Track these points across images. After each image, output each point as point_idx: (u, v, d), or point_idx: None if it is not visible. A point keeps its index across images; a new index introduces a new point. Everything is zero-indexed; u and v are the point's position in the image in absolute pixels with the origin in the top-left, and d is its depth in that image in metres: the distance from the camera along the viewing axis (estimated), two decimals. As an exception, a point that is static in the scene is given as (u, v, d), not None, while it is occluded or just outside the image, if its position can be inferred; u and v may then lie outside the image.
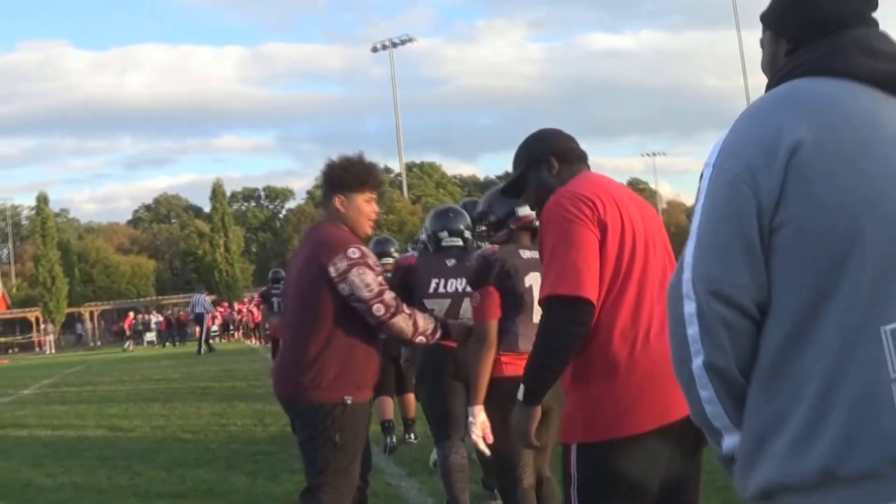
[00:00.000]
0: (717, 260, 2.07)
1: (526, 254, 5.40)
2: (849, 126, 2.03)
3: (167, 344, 58.38)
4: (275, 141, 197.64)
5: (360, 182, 5.32)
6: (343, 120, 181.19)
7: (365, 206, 5.33)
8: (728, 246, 2.05)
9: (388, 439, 10.33)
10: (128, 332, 62.48)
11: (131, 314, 67.67)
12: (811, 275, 1.98)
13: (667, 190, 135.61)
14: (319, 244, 5.23)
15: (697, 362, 2.10)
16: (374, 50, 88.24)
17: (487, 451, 5.40)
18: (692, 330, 2.09)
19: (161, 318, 64.60)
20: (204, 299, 42.64)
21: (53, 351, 68.58)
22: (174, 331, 60.79)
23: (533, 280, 5.27)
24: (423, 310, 6.30)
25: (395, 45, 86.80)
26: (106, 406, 18.26)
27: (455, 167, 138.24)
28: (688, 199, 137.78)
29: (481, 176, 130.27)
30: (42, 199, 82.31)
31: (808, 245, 1.98)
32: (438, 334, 5.36)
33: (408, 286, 7.16)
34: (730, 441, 2.16)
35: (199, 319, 41.96)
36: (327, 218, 5.42)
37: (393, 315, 5.11)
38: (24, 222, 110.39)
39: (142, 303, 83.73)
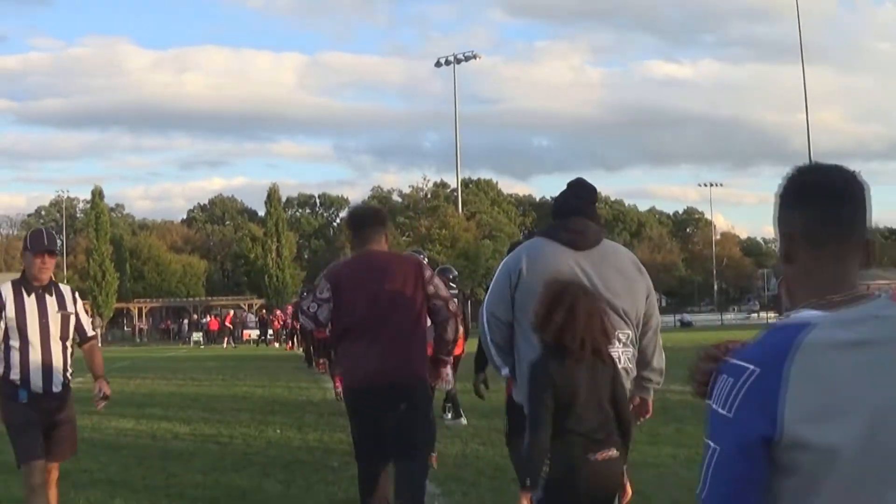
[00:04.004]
0: (495, 301, 5.40)
1: None
2: (545, 261, 5.23)
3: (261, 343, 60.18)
4: (331, 149, 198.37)
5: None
6: (399, 133, 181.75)
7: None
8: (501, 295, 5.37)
9: None
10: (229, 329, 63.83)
11: (231, 312, 69.40)
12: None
13: (721, 221, 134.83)
14: (415, 263, 7.08)
15: (486, 339, 5.44)
16: (438, 65, 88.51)
17: None
18: (483, 329, 5.44)
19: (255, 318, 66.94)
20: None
21: (100, 345, 68.88)
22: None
23: None
24: None
25: (458, 61, 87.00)
26: (147, 405, 18.34)
27: (508, 186, 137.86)
28: (742, 231, 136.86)
29: (537, 196, 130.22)
30: (97, 194, 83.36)
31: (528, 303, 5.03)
32: None
33: None
34: (504, 371, 5.46)
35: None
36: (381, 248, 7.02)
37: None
38: (79, 215, 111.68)
39: (191, 302, 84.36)
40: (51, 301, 7.07)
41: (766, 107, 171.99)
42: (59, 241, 7.54)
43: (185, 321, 75.67)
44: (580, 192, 5.62)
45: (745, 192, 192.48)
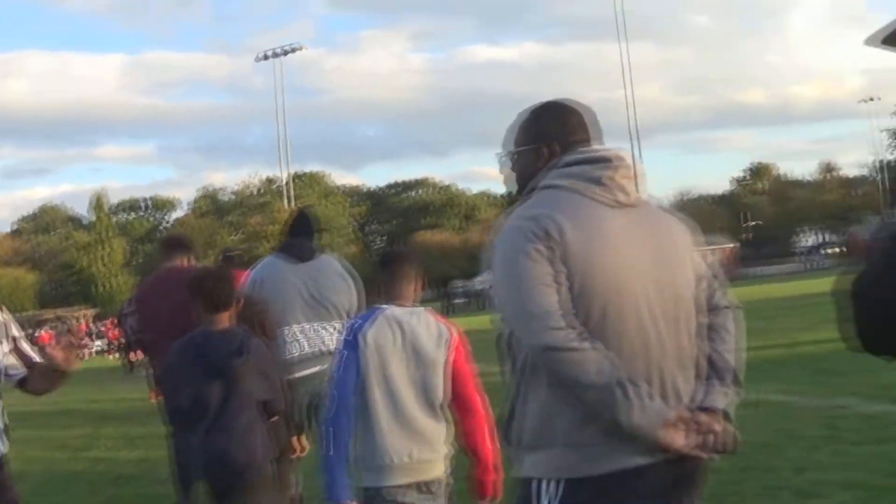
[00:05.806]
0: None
1: None
2: (272, 271, 7.20)
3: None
4: (155, 150, 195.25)
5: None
6: (225, 129, 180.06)
7: None
8: None
9: None
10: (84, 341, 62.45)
11: (83, 322, 67.99)
12: None
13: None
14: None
15: None
16: (259, 59, 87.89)
17: None
18: None
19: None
20: None
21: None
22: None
23: None
24: None
25: (282, 53, 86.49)
26: (-26, 428, 17.87)
27: (339, 177, 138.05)
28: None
29: (369, 186, 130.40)
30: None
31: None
32: None
33: None
34: None
35: None
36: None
37: None
38: None
39: (22, 317, 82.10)
40: None
41: (590, 85, 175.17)
42: None
43: (17, 336, 73.58)
44: (299, 220, 7.69)
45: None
